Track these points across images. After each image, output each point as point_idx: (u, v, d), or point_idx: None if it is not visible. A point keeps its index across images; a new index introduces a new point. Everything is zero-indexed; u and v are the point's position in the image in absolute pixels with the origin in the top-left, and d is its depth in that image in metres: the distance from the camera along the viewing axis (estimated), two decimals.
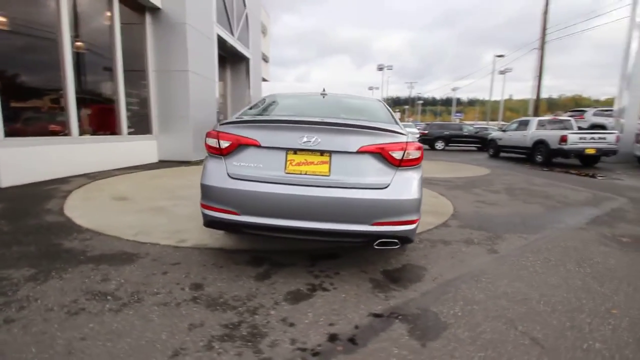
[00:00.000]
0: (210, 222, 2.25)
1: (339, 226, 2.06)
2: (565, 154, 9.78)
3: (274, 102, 3.20)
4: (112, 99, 6.68)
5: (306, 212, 2.07)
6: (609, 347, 1.62)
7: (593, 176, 7.97)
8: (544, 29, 22.44)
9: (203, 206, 2.23)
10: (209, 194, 2.19)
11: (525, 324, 1.79)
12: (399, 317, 1.82)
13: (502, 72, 32.82)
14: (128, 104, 6.95)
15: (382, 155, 2.11)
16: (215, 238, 2.88)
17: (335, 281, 2.21)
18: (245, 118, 2.42)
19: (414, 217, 2.14)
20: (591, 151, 9.65)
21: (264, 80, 15.71)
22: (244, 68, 12.05)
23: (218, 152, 2.23)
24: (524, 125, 11.90)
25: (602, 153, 9.82)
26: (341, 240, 2.24)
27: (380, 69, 35.41)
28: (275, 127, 2.20)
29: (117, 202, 4.03)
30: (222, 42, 9.66)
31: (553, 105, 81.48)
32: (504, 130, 13.26)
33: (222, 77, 11.03)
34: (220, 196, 2.15)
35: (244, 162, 2.17)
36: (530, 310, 1.93)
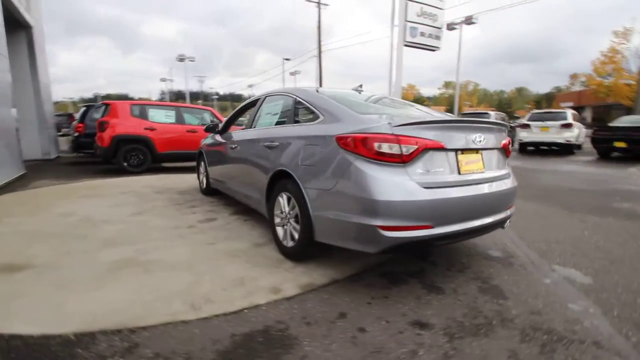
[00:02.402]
0: (396, 247, 1.90)
1: (496, 217, 2.29)
2: None
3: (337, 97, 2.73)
4: None
5: (482, 210, 2.17)
6: None
7: None
8: (319, 40, 27.66)
9: (384, 228, 1.85)
10: (393, 211, 1.85)
11: None
12: None
13: (292, 74, 37.79)
14: None
15: (504, 149, 2.48)
16: (297, 275, 2.30)
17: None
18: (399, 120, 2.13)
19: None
20: None
21: None
22: (24, 41, 8.10)
23: (397, 160, 1.89)
24: None
25: None
26: (490, 231, 2.44)
27: (182, 59, 32.06)
28: (451, 127, 2.11)
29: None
30: None
31: None
32: None
33: None
34: (413, 211, 1.88)
35: (431, 168, 1.97)
36: None
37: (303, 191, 2.24)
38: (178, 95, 58.17)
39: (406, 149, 1.91)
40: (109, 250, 2.68)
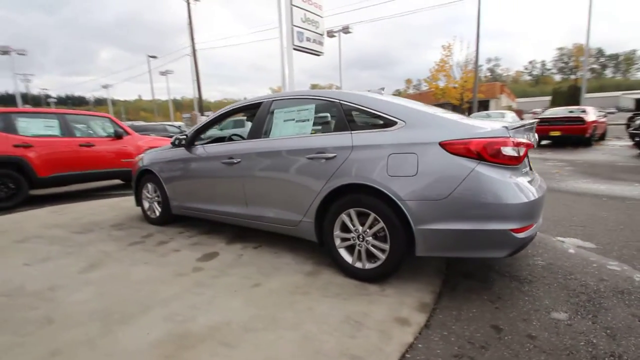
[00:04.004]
0: (522, 245, 1.94)
1: None
2: None
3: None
4: None
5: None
6: None
7: None
8: (192, 38, 25.50)
9: (515, 230, 1.87)
10: (523, 212, 1.91)
11: None
12: None
13: (163, 73, 32.99)
14: None
15: None
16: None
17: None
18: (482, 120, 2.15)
19: None
20: None
21: None
22: None
23: (514, 162, 1.94)
24: (240, 124, 13.76)
25: None
26: None
27: (5, 52, 23.52)
28: (529, 129, 2.25)
29: None
30: None
31: (179, 105, 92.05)
32: (221, 129, 14.50)
33: None
34: (532, 210, 1.97)
35: (524, 168, 2.08)
36: None
37: (400, 205, 2.03)
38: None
39: (521, 151, 1.97)
40: (123, 327, 1.81)
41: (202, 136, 3.54)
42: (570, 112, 13.13)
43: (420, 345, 1.65)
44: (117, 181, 7.08)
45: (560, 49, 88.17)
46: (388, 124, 2.23)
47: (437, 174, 1.97)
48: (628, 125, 8.64)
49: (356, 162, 2.23)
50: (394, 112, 2.23)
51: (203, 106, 26.55)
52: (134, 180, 4.00)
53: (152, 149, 4.06)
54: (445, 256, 2.09)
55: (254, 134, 2.88)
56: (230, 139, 3.79)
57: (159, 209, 3.74)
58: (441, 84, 30.89)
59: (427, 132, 2.06)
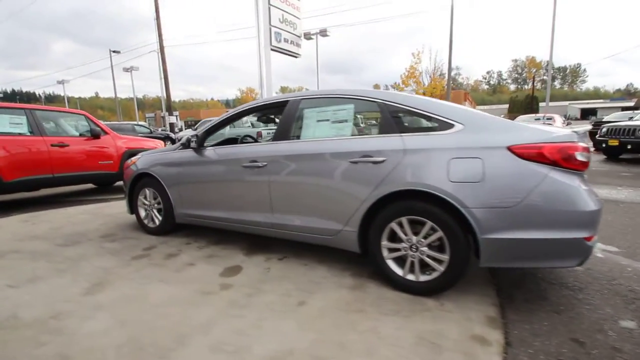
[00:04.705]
0: (590, 254, 1.87)
1: None
2: None
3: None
4: None
5: None
6: None
7: None
8: (160, 34, 24.26)
9: (588, 239, 1.80)
10: (595, 220, 1.84)
11: None
12: None
13: (127, 70, 30.79)
14: None
15: None
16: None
17: None
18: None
19: None
20: None
21: None
22: None
23: (583, 168, 1.88)
24: None
25: None
26: None
27: None
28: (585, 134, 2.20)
29: None
30: None
31: (141, 104, 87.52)
32: (195, 129, 13.84)
33: None
34: (599, 217, 1.90)
35: (585, 175, 2.03)
36: None
37: (464, 212, 1.90)
38: None
39: (589, 157, 1.92)
40: None
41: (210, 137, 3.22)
42: (537, 119, 13.98)
43: None
44: (89, 185, 6.43)
45: (515, 60, 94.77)
46: (443, 126, 2.10)
47: (505, 180, 1.87)
48: (593, 133, 9.31)
49: (411, 167, 2.07)
50: (450, 114, 2.10)
51: (171, 106, 25.29)
52: (127, 185, 3.56)
53: (150, 151, 3.66)
54: (509, 266, 2.00)
55: (282, 136, 2.64)
56: (242, 140, 3.51)
57: (159, 217, 3.36)
58: (409, 90, 31.86)
59: (491, 135, 1.95)
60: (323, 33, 18.86)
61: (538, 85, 51.84)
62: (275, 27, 15.00)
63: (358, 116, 2.55)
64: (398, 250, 2.16)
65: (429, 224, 2.03)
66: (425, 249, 2.07)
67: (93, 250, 2.99)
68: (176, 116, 26.45)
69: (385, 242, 2.19)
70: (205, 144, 3.12)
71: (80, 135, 5.39)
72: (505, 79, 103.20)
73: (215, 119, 3.16)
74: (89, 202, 5.15)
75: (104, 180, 5.94)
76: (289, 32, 15.84)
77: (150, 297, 2.15)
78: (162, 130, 23.57)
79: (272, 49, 15.02)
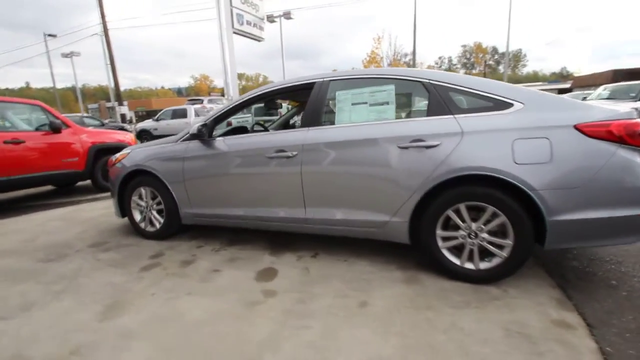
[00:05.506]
0: None
1: None
2: None
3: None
4: None
5: None
6: None
7: None
8: (103, 14, 21.95)
9: None
10: None
11: None
12: None
13: (67, 56, 27.23)
14: None
15: None
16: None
17: None
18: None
19: None
20: None
21: None
22: None
23: None
24: (181, 113, 12.35)
25: None
26: None
27: None
28: None
29: None
30: None
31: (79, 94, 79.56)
32: (157, 120, 12.81)
33: None
34: None
35: None
36: None
37: (532, 195, 1.82)
38: None
39: None
40: None
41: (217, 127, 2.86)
42: None
43: (609, 349, 1.48)
44: (46, 187, 5.64)
45: (464, 46, 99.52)
46: (500, 106, 1.99)
47: (574, 160, 1.81)
48: None
49: (470, 150, 1.94)
50: (508, 93, 2.00)
51: (120, 95, 23.10)
52: (115, 185, 3.08)
53: (143, 144, 3.19)
54: (574, 247, 1.97)
55: (312, 121, 2.38)
56: (252, 129, 3.18)
57: (160, 219, 2.96)
58: None
59: (556, 114, 1.88)
60: (287, 16, 18.13)
61: (485, 70, 55.60)
62: (236, 7, 14.14)
63: (403, 98, 2.36)
64: (454, 238, 2.05)
65: (491, 209, 1.93)
66: (485, 235, 1.98)
67: (88, 264, 2.55)
68: (126, 106, 24.34)
69: (440, 231, 2.07)
70: (212, 134, 2.77)
71: (37, 129, 4.63)
72: (455, 64, 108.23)
73: (224, 105, 2.80)
74: (54, 207, 4.48)
75: (68, 180, 5.21)
76: (251, 14, 15.03)
77: (186, 315, 1.85)
78: (110, 121, 21.58)
79: (234, 32, 14.19)
